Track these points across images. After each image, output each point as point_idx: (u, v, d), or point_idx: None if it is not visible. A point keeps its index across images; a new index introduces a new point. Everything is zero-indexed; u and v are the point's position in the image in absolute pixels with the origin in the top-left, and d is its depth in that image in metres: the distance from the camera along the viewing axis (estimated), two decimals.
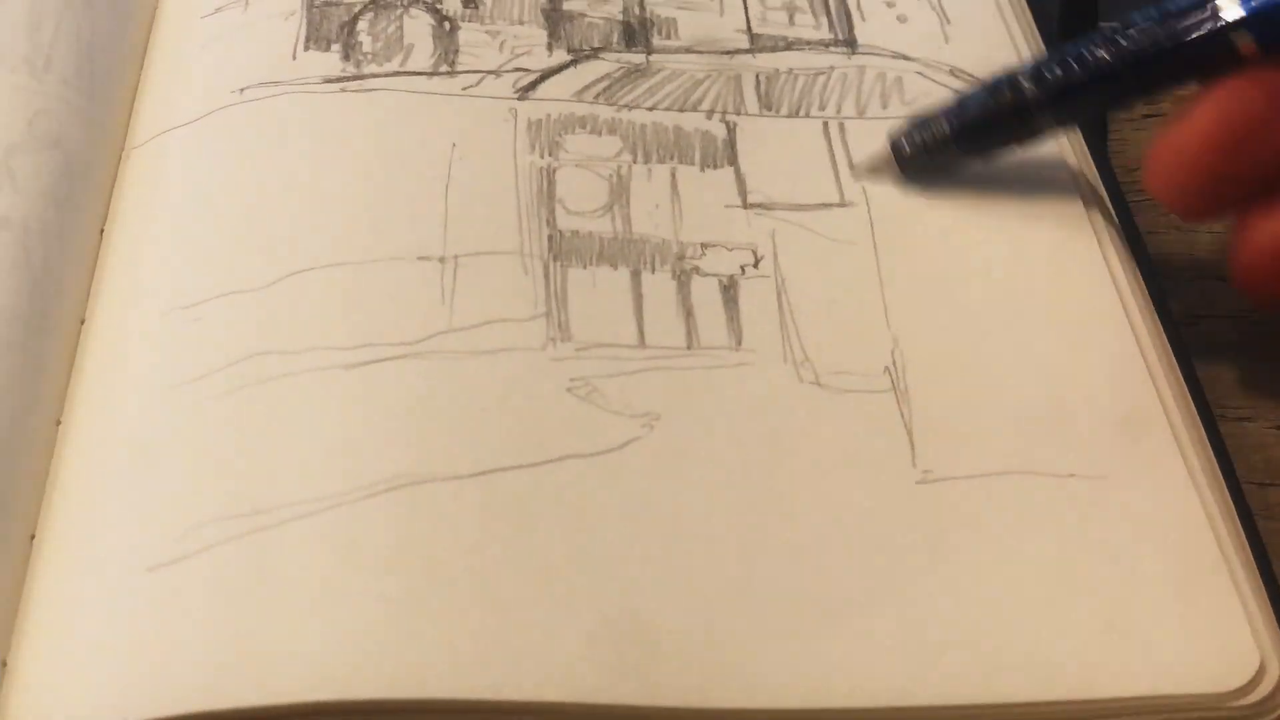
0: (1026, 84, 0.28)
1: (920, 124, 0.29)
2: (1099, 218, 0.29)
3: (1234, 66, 0.25)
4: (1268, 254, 0.25)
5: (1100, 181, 0.30)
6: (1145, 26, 0.26)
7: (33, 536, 0.24)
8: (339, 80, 0.31)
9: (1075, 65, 0.27)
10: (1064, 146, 0.30)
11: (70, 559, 0.24)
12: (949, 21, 0.34)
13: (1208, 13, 0.25)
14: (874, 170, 0.30)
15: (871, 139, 0.31)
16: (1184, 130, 0.25)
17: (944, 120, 0.29)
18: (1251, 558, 0.24)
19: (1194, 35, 0.26)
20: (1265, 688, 0.22)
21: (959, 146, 0.29)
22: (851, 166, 0.30)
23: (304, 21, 0.32)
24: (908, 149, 0.29)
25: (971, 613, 0.23)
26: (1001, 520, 0.24)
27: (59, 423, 0.26)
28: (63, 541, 0.24)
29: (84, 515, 0.24)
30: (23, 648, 0.23)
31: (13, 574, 0.24)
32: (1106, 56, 0.27)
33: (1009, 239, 0.29)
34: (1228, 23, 0.25)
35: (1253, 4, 0.25)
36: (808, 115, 0.31)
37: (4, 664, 0.23)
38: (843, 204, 0.30)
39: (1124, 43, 0.26)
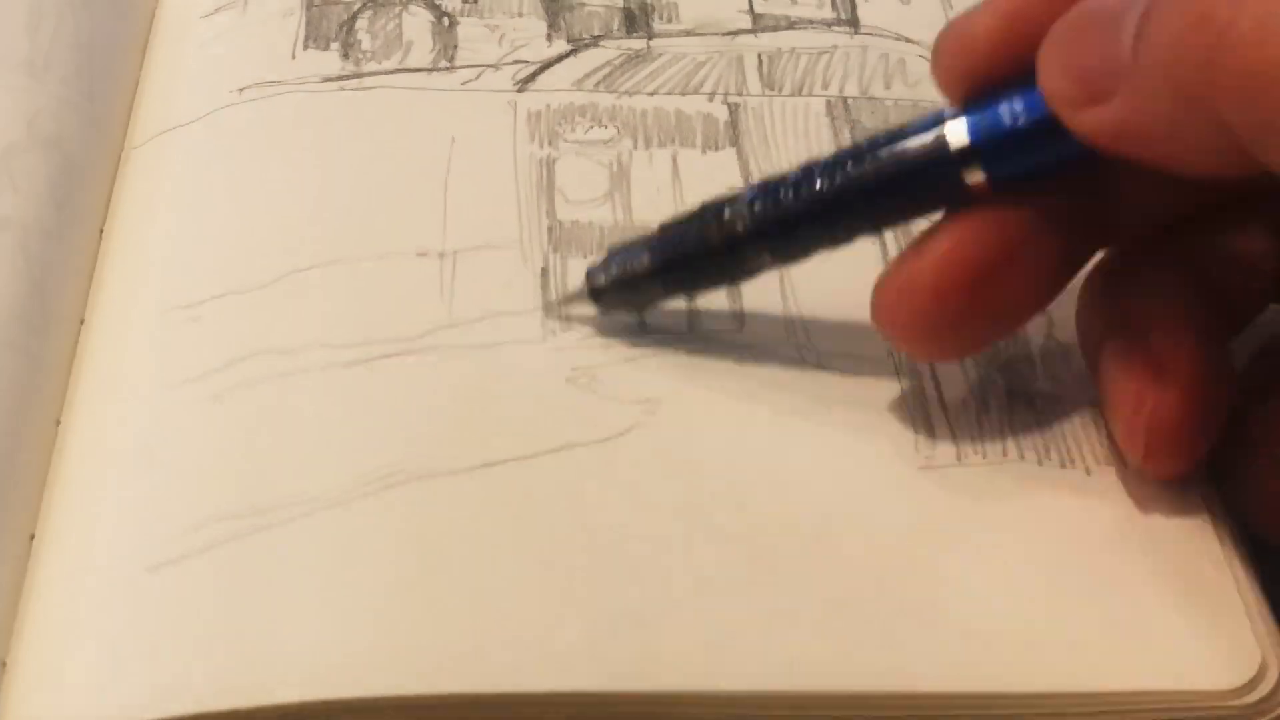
0: (736, 216, 0.24)
1: (619, 255, 0.26)
2: None
3: (964, 202, 0.23)
4: (1169, 429, 0.23)
5: None
6: (868, 155, 0.24)
7: (33, 536, 0.24)
8: (338, 79, 0.31)
9: (791, 196, 0.24)
10: None
11: (70, 559, 0.24)
12: (951, 6, 0.33)
13: (933, 140, 0.23)
14: (569, 306, 0.27)
15: (876, 116, 0.31)
16: (913, 271, 0.23)
17: (644, 253, 0.26)
18: (1253, 561, 0.24)
19: (917, 167, 0.23)
20: (1266, 686, 0.22)
21: (662, 281, 0.26)
22: (546, 305, 0.27)
23: (303, 20, 0.32)
24: (603, 282, 0.26)
25: (971, 602, 0.23)
26: (1003, 510, 0.24)
27: (59, 423, 0.26)
28: (63, 541, 0.24)
29: (84, 515, 0.24)
30: (23, 648, 0.23)
31: (13, 574, 0.23)
32: (826, 186, 0.24)
33: None
34: (953, 155, 0.23)
35: (979, 133, 0.22)
36: (811, 94, 0.31)
37: (4, 664, 0.23)
38: None
39: (845, 172, 0.24)
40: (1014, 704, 0.22)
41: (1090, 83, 0.21)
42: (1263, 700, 0.22)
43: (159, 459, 0.25)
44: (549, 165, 0.29)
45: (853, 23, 0.33)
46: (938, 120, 0.23)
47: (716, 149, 0.30)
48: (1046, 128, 0.22)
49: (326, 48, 0.32)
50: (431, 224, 0.28)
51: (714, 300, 0.27)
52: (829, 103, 0.31)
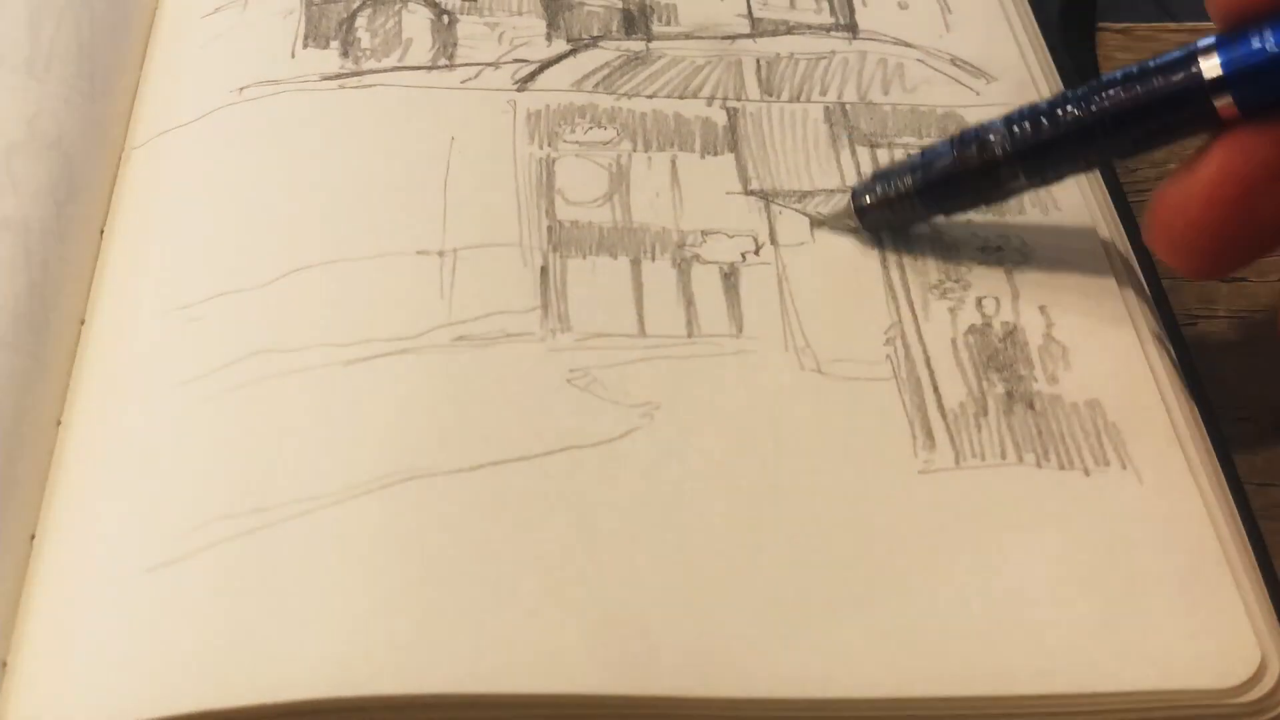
0: (995, 140, 0.26)
1: (883, 176, 0.28)
2: (1100, 222, 0.29)
3: (1214, 128, 0.24)
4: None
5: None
6: (1121, 84, 0.25)
7: (33, 536, 0.24)
8: (338, 77, 0.31)
9: (1046, 123, 0.26)
10: None
11: (70, 559, 0.24)
12: (950, 10, 0.34)
13: (1187, 71, 0.24)
14: (835, 221, 0.28)
15: (874, 122, 0.31)
16: (1187, 186, 0.24)
17: (908, 174, 0.28)
18: (1252, 556, 0.24)
19: (1171, 95, 0.24)
20: (1266, 685, 0.22)
21: (923, 203, 0.28)
22: (811, 218, 0.29)
23: (303, 19, 0.32)
24: (869, 201, 0.28)
25: (972, 604, 0.23)
26: (1003, 512, 0.24)
27: (59, 423, 0.26)
28: (63, 541, 0.24)
29: (84, 515, 0.24)
30: (23, 648, 0.23)
31: (13, 574, 0.23)
32: (1079, 114, 0.25)
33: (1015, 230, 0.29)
34: (1207, 83, 0.24)
35: (1231, 63, 0.24)
36: (809, 100, 0.31)
37: (4, 664, 0.23)
38: (844, 189, 0.29)
39: (1098, 100, 0.25)
40: (1014, 706, 0.22)
41: None
42: (1263, 699, 0.22)
43: (159, 459, 0.25)
44: (548, 165, 0.29)
45: (851, 28, 0.33)
46: (1189, 52, 0.24)
47: (715, 154, 0.30)
48: None
49: (326, 46, 0.32)
50: (431, 223, 0.28)
51: (713, 303, 0.27)
52: (827, 109, 0.31)
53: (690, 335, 0.27)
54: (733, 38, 0.33)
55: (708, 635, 0.22)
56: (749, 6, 0.33)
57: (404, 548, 0.23)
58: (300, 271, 0.27)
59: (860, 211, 0.28)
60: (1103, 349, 0.27)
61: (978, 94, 0.32)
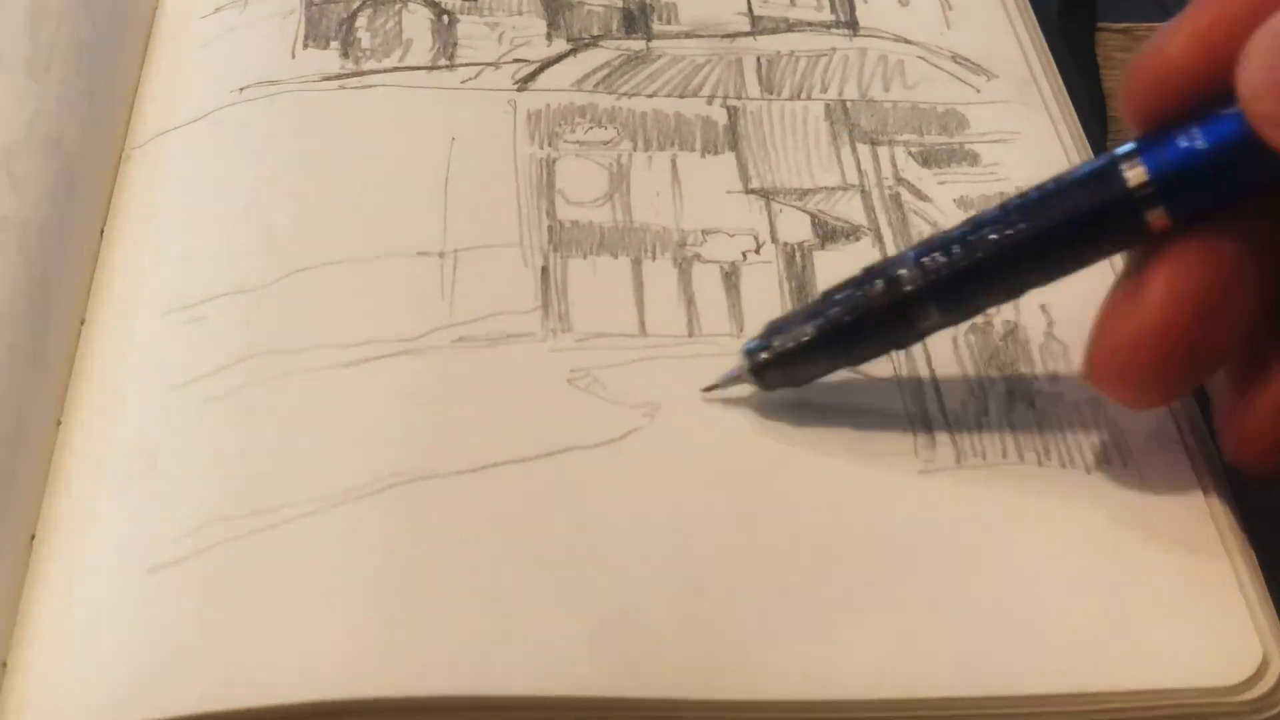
0: (905, 275, 0.24)
1: (778, 329, 0.25)
2: None
3: (1142, 242, 0.22)
4: (1268, 425, 0.23)
5: None
6: (1038, 203, 0.23)
7: (33, 536, 0.24)
8: (338, 77, 0.31)
9: (960, 252, 0.23)
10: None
11: (70, 559, 0.24)
12: (950, 8, 0.33)
13: (1110, 182, 0.22)
14: (729, 384, 0.25)
15: (874, 119, 0.31)
16: (1136, 320, 0.22)
17: (807, 323, 0.25)
18: (1253, 554, 0.24)
19: (1095, 210, 0.22)
20: (1267, 683, 0.22)
21: (826, 355, 0.25)
22: (706, 390, 0.26)
23: (303, 19, 0.32)
24: (764, 358, 0.25)
25: (973, 604, 0.23)
26: (1004, 512, 0.24)
27: (59, 423, 0.26)
28: (63, 541, 0.24)
29: (84, 515, 0.24)
30: (23, 648, 0.23)
31: (13, 574, 0.23)
32: (996, 239, 0.23)
33: None
34: (1133, 193, 0.22)
35: (1159, 168, 0.22)
36: (809, 98, 0.31)
37: (4, 664, 0.23)
38: (844, 187, 0.29)
39: (1015, 223, 0.23)
40: (1016, 706, 0.22)
41: None
42: (1264, 696, 0.22)
43: (159, 460, 0.25)
44: (549, 165, 0.29)
45: (851, 25, 0.33)
46: (1111, 160, 0.22)
47: (716, 153, 0.30)
48: (1229, 156, 0.21)
49: (326, 46, 0.32)
50: (432, 224, 0.28)
51: (714, 302, 0.27)
52: (828, 107, 0.31)
53: (691, 335, 0.27)
54: (733, 36, 0.33)
55: (709, 637, 0.22)
56: (749, 4, 0.33)
57: (405, 550, 0.23)
58: (301, 272, 0.27)
59: (756, 371, 0.25)
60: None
61: (978, 91, 0.32)
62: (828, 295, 0.25)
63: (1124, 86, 0.22)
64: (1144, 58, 0.22)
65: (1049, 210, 0.23)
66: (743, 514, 0.24)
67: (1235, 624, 0.23)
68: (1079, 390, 0.26)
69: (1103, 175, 0.22)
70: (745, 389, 0.25)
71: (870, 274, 0.24)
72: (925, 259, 0.24)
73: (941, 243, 0.24)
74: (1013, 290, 0.24)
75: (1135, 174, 0.22)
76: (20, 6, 0.31)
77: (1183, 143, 0.22)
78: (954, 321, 0.24)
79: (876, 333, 0.24)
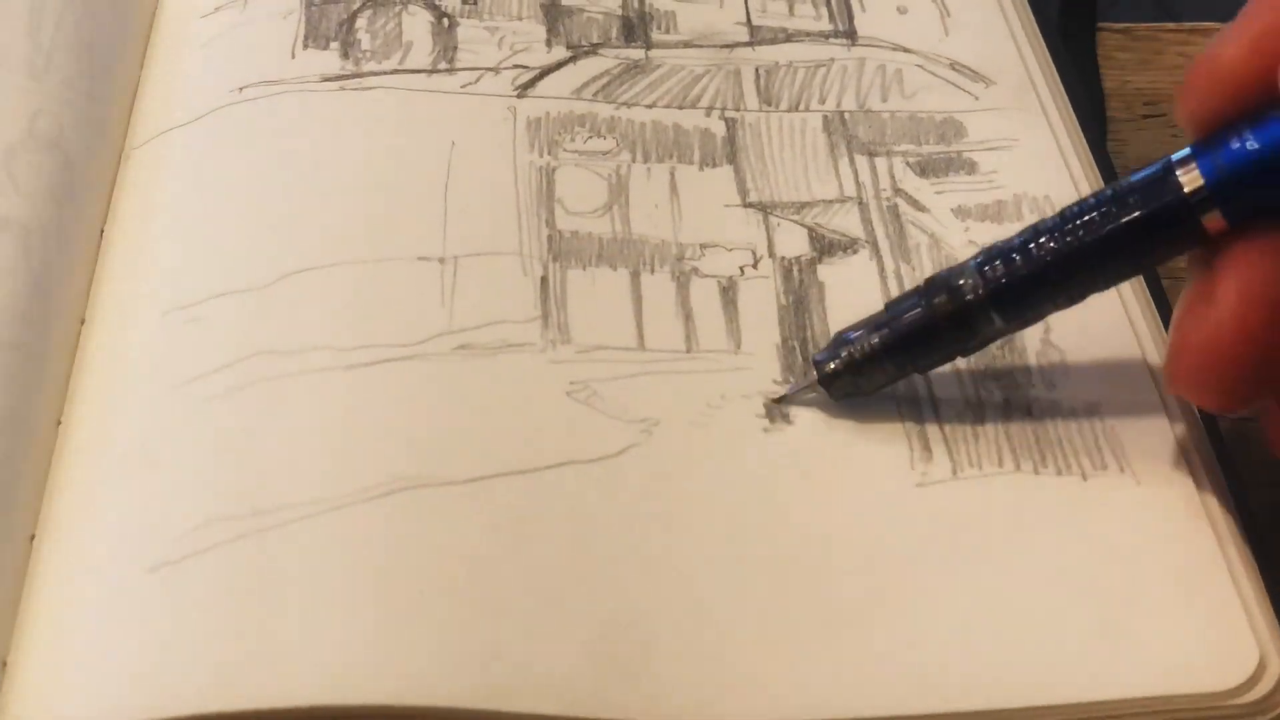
0: (967, 285, 0.24)
1: (846, 339, 0.25)
2: None
3: (1200, 245, 0.23)
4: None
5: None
6: (1095, 210, 0.23)
7: (33, 536, 0.24)
8: (338, 79, 0.31)
9: (1020, 260, 0.24)
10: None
11: (70, 559, 0.24)
12: (949, 14, 0.33)
13: (1166, 187, 0.22)
14: (799, 396, 0.26)
15: (872, 130, 0.31)
16: (1213, 323, 0.22)
17: (874, 334, 0.25)
18: (1251, 557, 0.24)
19: (1153, 216, 0.22)
20: (1265, 686, 0.22)
21: (893, 362, 0.25)
22: (776, 401, 0.26)
23: (303, 20, 0.32)
24: (833, 368, 0.25)
25: (971, 616, 0.23)
26: (1001, 521, 0.24)
27: (59, 423, 0.26)
28: (63, 541, 0.24)
29: (84, 515, 0.24)
30: (23, 648, 0.23)
31: (13, 574, 0.24)
32: (1055, 247, 0.23)
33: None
34: (1190, 197, 0.22)
35: (1213, 172, 0.22)
36: (808, 109, 0.31)
37: (4, 664, 0.23)
38: (842, 199, 0.29)
39: (1073, 231, 0.23)
40: (1016, 717, 0.22)
41: None
42: (1262, 699, 0.22)
43: (159, 459, 0.25)
44: (548, 174, 0.29)
45: (850, 34, 0.33)
46: (1166, 165, 0.22)
47: (714, 165, 0.30)
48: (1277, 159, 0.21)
49: (326, 47, 0.32)
50: (432, 228, 0.28)
51: (711, 317, 0.27)
52: (826, 118, 0.31)
53: (689, 350, 0.27)
54: (732, 45, 0.32)
55: (706, 654, 0.22)
56: (748, 13, 0.33)
57: (402, 557, 0.23)
58: (301, 273, 0.27)
59: (825, 380, 0.26)
60: (1100, 353, 0.27)
61: (976, 98, 0.32)
62: (891, 306, 0.25)
63: (1180, 91, 0.23)
64: (1200, 62, 0.22)
65: (1106, 217, 0.23)
66: (740, 529, 0.24)
67: (1233, 627, 0.23)
68: (1075, 397, 0.26)
69: (1159, 181, 0.23)
70: (815, 396, 0.26)
71: (933, 284, 0.25)
72: (987, 268, 0.24)
73: (1002, 251, 0.24)
74: (1074, 295, 0.24)
75: (1190, 178, 0.22)
76: (20, 6, 0.31)
77: (1235, 145, 0.22)
78: (1017, 329, 0.25)
79: (941, 341, 0.25)
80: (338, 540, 0.23)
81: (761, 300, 0.27)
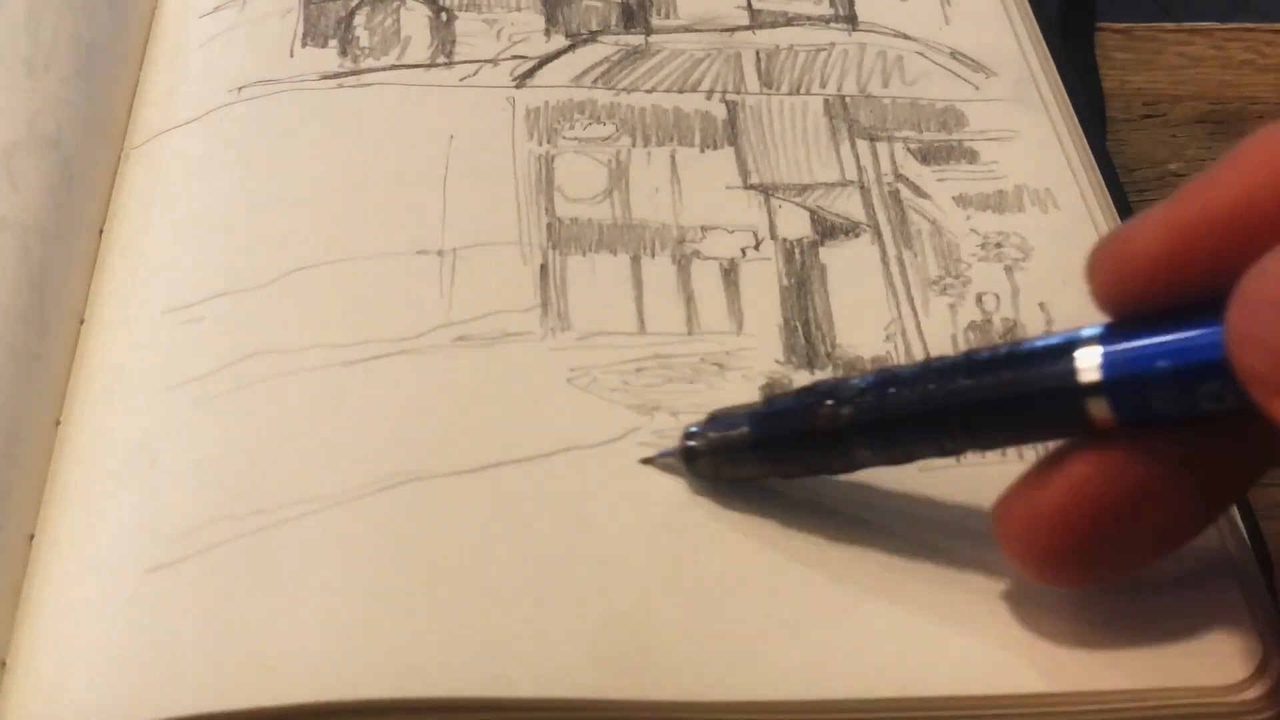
0: (842, 403, 0.22)
1: (719, 420, 0.24)
2: (1100, 219, 0.29)
3: (1089, 433, 0.20)
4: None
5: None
6: (989, 367, 0.21)
7: (32, 536, 0.24)
8: (336, 76, 0.31)
9: (900, 395, 0.22)
10: None
11: (70, 559, 0.24)
12: (949, 3, 0.33)
13: (1061, 368, 0.20)
14: (663, 463, 0.24)
15: (874, 115, 0.31)
16: (1033, 503, 0.21)
17: (744, 424, 0.24)
18: (1253, 555, 0.24)
19: (1039, 393, 0.21)
20: (1267, 683, 0.22)
21: (758, 458, 0.23)
22: (643, 461, 0.25)
23: (301, 18, 0.32)
24: (699, 445, 0.24)
25: (971, 603, 0.23)
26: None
27: (59, 423, 0.26)
28: (63, 541, 0.24)
29: (84, 515, 0.24)
30: (23, 648, 0.23)
31: (13, 574, 0.23)
32: (938, 391, 0.21)
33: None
34: (1083, 387, 0.20)
35: (1114, 369, 0.20)
36: (808, 93, 0.31)
37: (3, 664, 0.23)
38: (844, 183, 0.29)
39: (960, 381, 0.21)
40: (1016, 705, 0.22)
41: None
42: (1263, 696, 0.22)
43: (158, 459, 0.25)
44: (548, 162, 0.29)
45: (850, 19, 0.33)
46: (1070, 344, 0.20)
47: (715, 147, 0.30)
48: (1192, 379, 0.19)
49: (325, 45, 0.32)
50: (431, 222, 0.28)
51: (713, 299, 0.27)
52: (827, 101, 0.31)
53: (690, 333, 0.27)
54: (732, 30, 0.32)
55: (709, 637, 0.22)
56: None
57: (404, 550, 0.23)
58: (299, 271, 0.27)
59: (689, 455, 0.24)
60: None
61: (977, 89, 0.31)
62: (771, 401, 0.24)
63: (1088, 267, 0.21)
64: (1111, 242, 0.21)
65: (994, 378, 0.21)
66: (741, 514, 0.24)
67: (1234, 623, 0.22)
68: None
69: (1055, 354, 0.21)
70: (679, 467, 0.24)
71: (816, 394, 0.23)
72: (869, 395, 0.22)
73: (888, 381, 0.22)
74: (946, 448, 0.22)
75: (1088, 367, 0.20)
76: (19, 6, 0.31)
77: (1146, 347, 0.20)
78: (889, 462, 0.23)
79: (808, 452, 0.23)
80: (339, 536, 0.23)
81: (763, 281, 0.27)
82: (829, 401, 0.23)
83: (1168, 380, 0.20)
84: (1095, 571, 0.22)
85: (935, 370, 0.22)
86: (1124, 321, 0.20)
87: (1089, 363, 0.20)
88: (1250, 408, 0.18)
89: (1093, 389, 0.20)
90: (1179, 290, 0.20)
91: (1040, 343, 0.21)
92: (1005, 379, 0.21)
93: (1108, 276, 0.20)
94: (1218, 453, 0.21)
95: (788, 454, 0.23)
